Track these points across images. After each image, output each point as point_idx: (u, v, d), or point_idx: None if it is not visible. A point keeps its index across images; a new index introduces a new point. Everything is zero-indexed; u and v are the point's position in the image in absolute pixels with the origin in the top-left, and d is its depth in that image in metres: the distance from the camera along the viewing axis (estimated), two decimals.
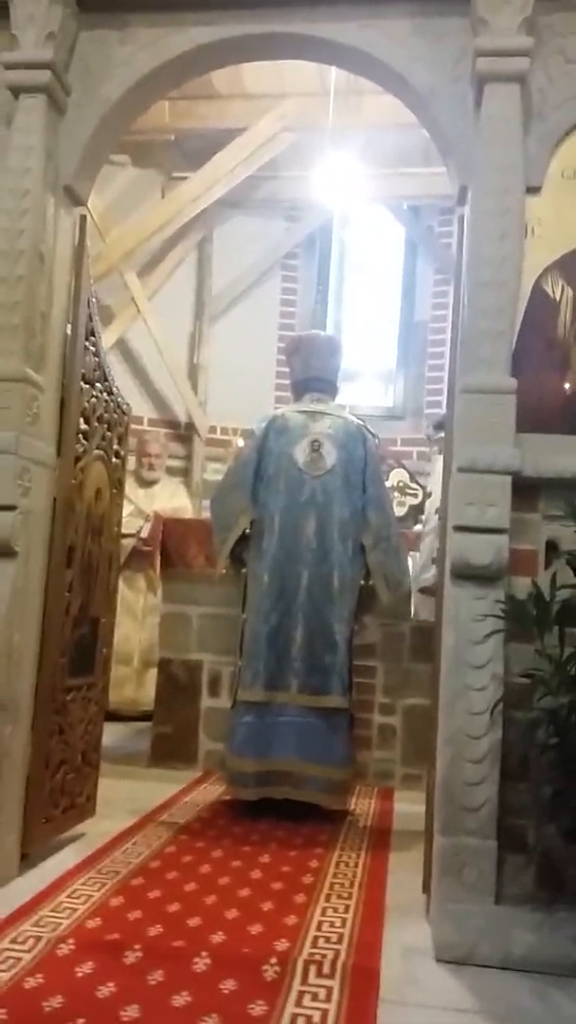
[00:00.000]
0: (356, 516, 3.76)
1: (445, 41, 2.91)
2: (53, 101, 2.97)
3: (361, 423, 3.95)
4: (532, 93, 2.81)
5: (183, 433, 6.88)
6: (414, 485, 5.75)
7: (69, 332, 3.12)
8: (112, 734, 4.07)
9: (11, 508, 2.75)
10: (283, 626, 3.66)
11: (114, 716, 4.80)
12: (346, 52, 3.04)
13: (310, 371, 4.03)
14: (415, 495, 5.71)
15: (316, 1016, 1.99)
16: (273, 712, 3.62)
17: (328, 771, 3.58)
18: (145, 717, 5.07)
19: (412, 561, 4.06)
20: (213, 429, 6.87)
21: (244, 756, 3.60)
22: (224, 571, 3.93)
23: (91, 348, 3.23)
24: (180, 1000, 2.02)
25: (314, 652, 3.64)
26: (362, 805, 3.91)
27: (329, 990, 2.12)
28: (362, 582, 3.83)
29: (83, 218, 3.21)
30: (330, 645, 3.64)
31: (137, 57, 3.03)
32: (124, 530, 3.97)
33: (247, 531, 3.79)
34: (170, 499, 6.05)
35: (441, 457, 3.73)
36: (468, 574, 2.60)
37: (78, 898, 2.60)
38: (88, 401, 3.20)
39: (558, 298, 2.83)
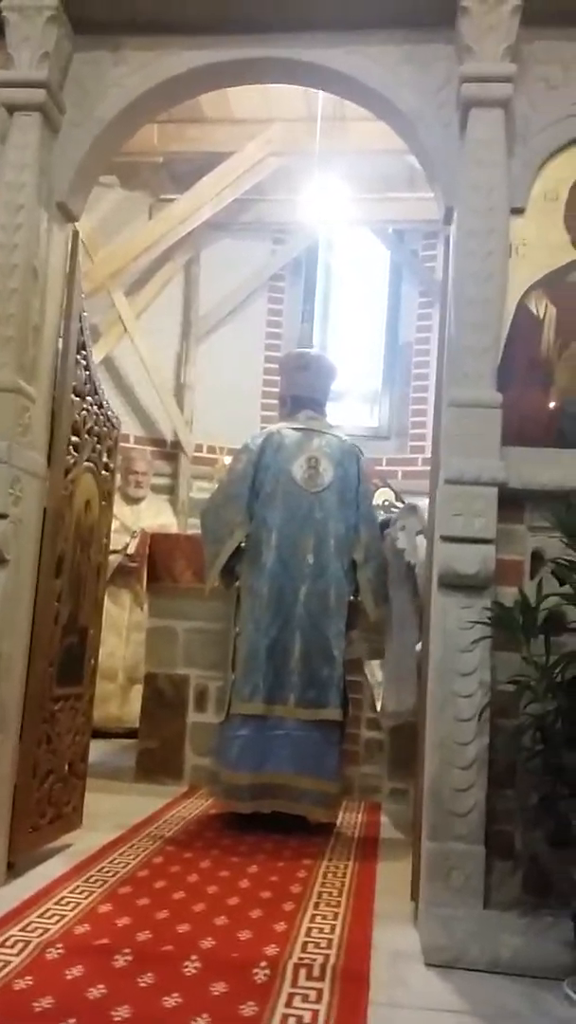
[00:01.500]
0: (349, 533, 3.81)
1: (431, 67, 3.00)
2: (47, 119, 3.02)
3: (352, 442, 4.00)
4: (516, 118, 2.89)
5: (169, 451, 6.91)
6: (399, 504, 5.80)
7: (60, 346, 3.16)
8: (97, 750, 4.06)
9: (2, 516, 2.77)
10: (281, 640, 3.68)
11: (98, 733, 4.78)
12: (334, 77, 3.11)
13: (313, 391, 4.07)
14: None
15: (307, 1016, 2.01)
16: (269, 725, 3.62)
17: (320, 784, 3.59)
18: (130, 734, 5.05)
19: None
20: (199, 447, 6.89)
21: (239, 769, 3.59)
22: (215, 584, 3.91)
23: (82, 362, 3.26)
24: (171, 1001, 2.03)
25: (312, 666, 3.66)
26: (349, 819, 3.91)
27: (319, 992, 2.13)
28: (351, 598, 3.87)
29: (75, 233, 3.25)
30: (328, 659, 3.67)
31: (131, 79, 3.10)
32: (111, 546, 3.97)
33: (241, 545, 3.81)
34: (155, 516, 6.05)
35: (407, 533, 3.75)
36: (455, 583, 2.65)
37: (66, 905, 2.60)
38: (79, 413, 3.23)
39: (542, 316, 2.90)
